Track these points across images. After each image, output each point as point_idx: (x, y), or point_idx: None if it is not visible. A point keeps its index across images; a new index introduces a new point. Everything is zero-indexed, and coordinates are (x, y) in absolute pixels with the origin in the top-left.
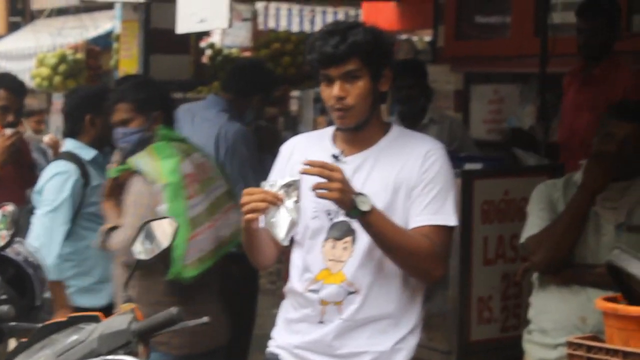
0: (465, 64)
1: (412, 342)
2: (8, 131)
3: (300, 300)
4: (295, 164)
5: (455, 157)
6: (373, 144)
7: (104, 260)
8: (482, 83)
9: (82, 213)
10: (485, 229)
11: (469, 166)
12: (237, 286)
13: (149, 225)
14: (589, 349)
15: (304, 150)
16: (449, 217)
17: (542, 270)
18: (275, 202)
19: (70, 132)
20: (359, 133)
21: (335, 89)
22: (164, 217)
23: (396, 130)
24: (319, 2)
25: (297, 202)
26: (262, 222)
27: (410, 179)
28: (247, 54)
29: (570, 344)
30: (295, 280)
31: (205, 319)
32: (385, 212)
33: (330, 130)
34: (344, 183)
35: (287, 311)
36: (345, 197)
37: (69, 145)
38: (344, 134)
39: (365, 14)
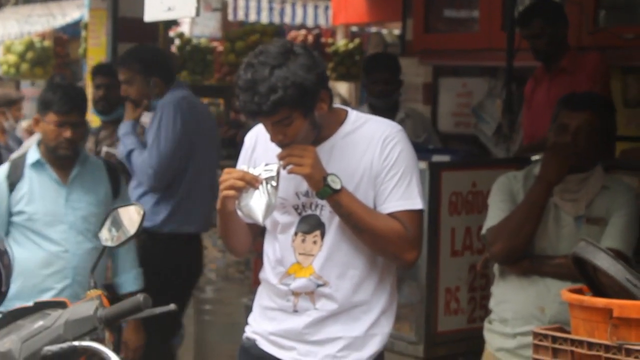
0: (434, 57)
1: (386, 327)
2: None
3: (274, 290)
4: (258, 157)
5: (423, 149)
6: (331, 134)
7: (23, 277)
8: (450, 76)
9: (11, 222)
10: (452, 221)
11: (436, 158)
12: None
13: (115, 211)
14: (555, 339)
15: (265, 142)
16: (414, 201)
17: (501, 261)
18: (253, 183)
19: None
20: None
21: (271, 136)
22: (131, 204)
23: (353, 117)
24: None
25: (275, 186)
26: (236, 206)
27: (372, 167)
28: (216, 44)
29: (535, 335)
30: (269, 272)
31: (172, 306)
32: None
33: None
34: (316, 160)
35: (262, 299)
36: (316, 174)
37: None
38: None
39: (335, 6)
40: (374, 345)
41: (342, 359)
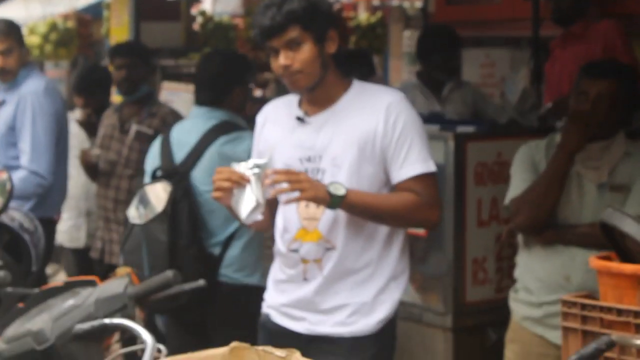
0: (457, 28)
1: (396, 293)
2: None
3: (284, 260)
4: (268, 133)
5: (448, 120)
6: (335, 102)
7: None
8: (473, 47)
9: None
10: (478, 191)
11: (461, 129)
12: None
13: (143, 190)
14: (583, 307)
15: (274, 119)
16: (429, 164)
17: (525, 231)
18: (240, 182)
19: (215, 101)
20: (319, 93)
21: (281, 59)
22: (158, 182)
23: (357, 86)
24: None
25: (264, 183)
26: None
27: (378, 132)
28: (238, 20)
29: (564, 302)
30: (278, 241)
31: (201, 281)
32: (356, 169)
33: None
34: (312, 180)
35: (275, 272)
36: (319, 192)
37: (221, 115)
38: (307, 96)
39: None
40: (383, 311)
41: (352, 324)
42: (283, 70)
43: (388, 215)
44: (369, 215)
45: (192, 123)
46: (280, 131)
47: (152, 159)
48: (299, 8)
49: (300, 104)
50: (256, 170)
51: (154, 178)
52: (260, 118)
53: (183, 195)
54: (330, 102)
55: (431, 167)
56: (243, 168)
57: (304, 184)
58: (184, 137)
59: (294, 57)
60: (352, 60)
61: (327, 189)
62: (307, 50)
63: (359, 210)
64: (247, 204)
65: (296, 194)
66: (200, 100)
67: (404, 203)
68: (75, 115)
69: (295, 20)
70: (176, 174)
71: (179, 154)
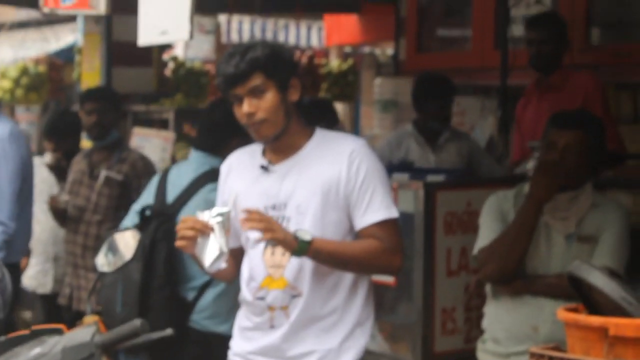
0: None
1: (361, 340)
2: None
3: (250, 308)
4: (233, 182)
5: (417, 170)
6: (298, 150)
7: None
8: None
9: None
10: (448, 241)
11: (431, 178)
12: None
13: (112, 237)
14: (551, 359)
15: (238, 168)
16: (389, 210)
17: (494, 281)
18: (204, 230)
19: (212, 147)
20: (282, 141)
21: (245, 106)
22: (127, 229)
23: (320, 134)
24: (281, 16)
25: (227, 231)
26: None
27: (341, 180)
28: (210, 66)
29: (532, 355)
30: (244, 290)
31: (168, 331)
32: (320, 216)
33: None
34: (281, 225)
35: (241, 320)
36: (287, 235)
37: (215, 162)
38: (270, 145)
39: (328, 27)
40: (349, 358)
41: None
42: (247, 119)
43: (352, 262)
44: (334, 262)
45: (187, 166)
46: (244, 180)
47: (147, 195)
48: (262, 56)
49: (264, 152)
50: (219, 218)
51: (143, 217)
52: (224, 168)
53: (163, 236)
54: (294, 151)
55: (393, 213)
56: (207, 216)
57: (274, 225)
58: (178, 178)
59: (258, 105)
60: (315, 109)
61: (293, 234)
62: (270, 98)
63: (323, 256)
64: (211, 252)
65: (267, 234)
66: (198, 144)
67: (367, 249)
68: (45, 160)
69: (259, 68)
70: (163, 214)
71: (172, 194)
